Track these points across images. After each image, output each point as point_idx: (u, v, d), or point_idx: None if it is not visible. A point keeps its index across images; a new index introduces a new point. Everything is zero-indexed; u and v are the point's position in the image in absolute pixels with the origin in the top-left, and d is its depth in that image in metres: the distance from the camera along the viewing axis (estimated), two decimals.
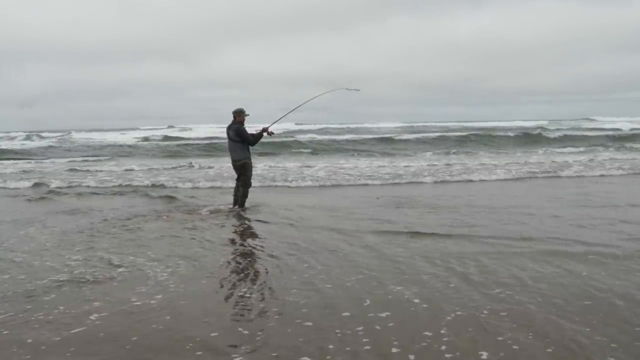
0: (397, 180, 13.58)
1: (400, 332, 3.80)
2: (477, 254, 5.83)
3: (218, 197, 10.91)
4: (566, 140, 31.63)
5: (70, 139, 36.87)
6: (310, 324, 4.01)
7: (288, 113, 10.47)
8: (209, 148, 27.78)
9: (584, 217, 7.98)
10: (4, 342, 3.77)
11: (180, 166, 18.32)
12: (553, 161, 18.38)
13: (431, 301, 4.43)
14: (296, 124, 50.19)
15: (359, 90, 9.83)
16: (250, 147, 9.56)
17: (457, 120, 79.32)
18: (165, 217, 8.74)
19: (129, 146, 30.50)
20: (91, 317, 4.18)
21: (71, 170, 17.69)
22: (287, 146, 28.18)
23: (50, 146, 31.18)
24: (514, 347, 3.53)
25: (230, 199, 10.04)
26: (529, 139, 32.42)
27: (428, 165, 17.55)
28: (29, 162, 21.81)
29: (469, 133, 35.83)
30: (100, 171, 17.08)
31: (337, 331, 3.85)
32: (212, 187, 12.87)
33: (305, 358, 3.44)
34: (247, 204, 9.51)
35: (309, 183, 13.29)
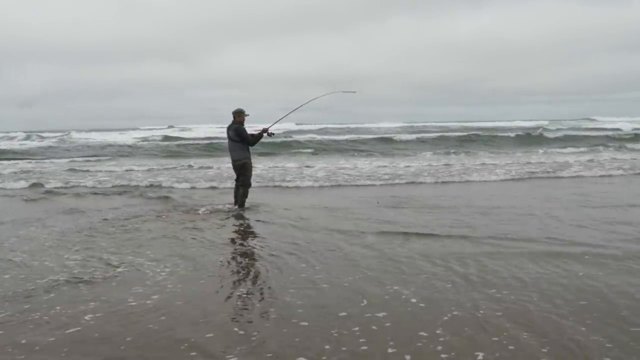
0: (396, 181, 13.56)
1: (397, 332, 3.79)
2: (475, 254, 5.82)
3: (217, 197, 10.90)
4: (567, 140, 31.57)
5: (70, 139, 36.83)
6: (306, 324, 4.00)
7: (287, 115, 10.55)
8: (208, 148, 27.76)
9: (584, 217, 7.97)
10: None
11: (181, 166, 18.29)
12: (553, 161, 18.33)
13: (428, 301, 4.42)
14: (296, 124, 50.19)
15: (355, 92, 9.85)
16: (250, 147, 9.54)
17: (457, 120, 79.27)
18: (164, 217, 8.73)
19: (129, 146, 30.46)
20: (86, 318, 4.17)
21: (71, 170, 17.67)
22: (287, 146, 28.16)
23: (50, 146, 31.14)
24: (510, 347, 3.52)
25: (229, 199, 10.03)
26: (530, 139, 32.37)
27: (428, 165, 17.52)
28: (29, 162, 21.79)
29: (469, 133, 35.81)
30: (100, 171, 17.06)
31: (334, 331, 3.84)
32: (211, 187, 12.86)
33: (301, 358, 3.43)
34: (246, 204, 9.50)
35: (309, 183, 13.27)
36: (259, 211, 9.11)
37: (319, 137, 33.96)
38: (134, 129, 56.97)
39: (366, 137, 34.51)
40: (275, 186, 12.83)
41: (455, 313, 4.13)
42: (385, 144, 30.31)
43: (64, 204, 10.27)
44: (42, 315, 4.25)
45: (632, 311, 4.11)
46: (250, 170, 9.63)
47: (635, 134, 34.46)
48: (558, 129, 43.21)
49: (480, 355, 3.41)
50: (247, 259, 6.09)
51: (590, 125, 53.92)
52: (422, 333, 3.77)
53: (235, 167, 9.65)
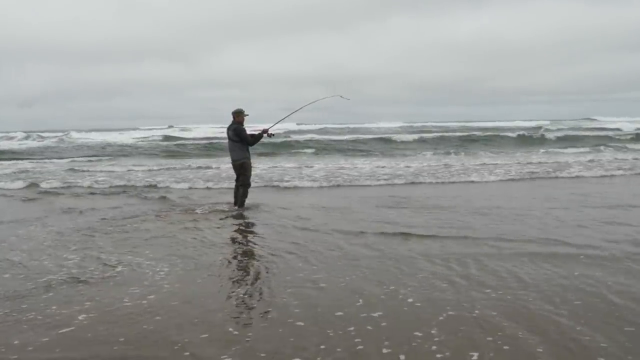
0: (396, 181, 13.54)
1: (393, 332, 3.78)
2: (473, 255, 5.81)
3: (216, 197, 10.89)
4: (568, 140, 31.55)
5: (69, 139, 36.82)
6: (302, 324, 3.99)
7: (287, 117, 10.67)
8: (208, 148, 27.77)
9: (583, 217, 7.95)
10: None
11: (180, 166, 18.27)
12: (554, 162, 18.29)
13: (425, 301, 4.41)
14: (297, 124, 50.20)
15: (349, 99, 10.16)
16: (249, 147, 9.55)
17: (457, 120, 79.23)
18: (163, 216, 8.72)
19: (129, 146, 30.47)
20: (79, 318, 4.16)
21: (70, 170, 17.66)
22: (287, 146, 28.17)
23: (49, 146, 31.16)
24: (505, 347, 3.50)
25: (228, 198, 10.02)
26: (530, 139, 32.34)
27: (427, 165, 17.50)
28: (30, 162, 21.77)
29: (469, 133, 35.82)
30: (99, 171, 17.05)
31: (330, 331, 3.83)
32: (210, 188, 12.86)
33: (296, 359, 3.41)
34: (246, 204, 9.50)
35: (308, 183, 13.26)
36: (258, 211, 9.10)
37: (319, 137, 33.97)
38: (134, 129, 56.99)
39: (366, 137, 34.52)
40: (275, 186, 12.81)
41: (451, 313, 4.12)
42: (385, 144, 30.32)
43: (63, 204, 10.27)
44: (37, 315, 4.24)
45: (630, 311, 4.09)
46: (250, 170, 9.64)
47: (637, 134, 34.41)
48: (558, 129, 43.14)
49: (475, 355, 3.39)
50: (245, 259, 6.08)
51: (591, 125, 53.83)
52: (417, 333, 3.76)
53: (235, 167, 9.67)
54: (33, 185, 13.40)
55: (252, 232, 7.52)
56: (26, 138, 37.93)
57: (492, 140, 31.69)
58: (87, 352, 3.57)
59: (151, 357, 3.51)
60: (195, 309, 4.33)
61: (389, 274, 5.20)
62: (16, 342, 3.75)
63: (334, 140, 31.79)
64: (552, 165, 16.89)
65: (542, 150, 24.47)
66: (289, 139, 30.85)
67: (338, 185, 13.01)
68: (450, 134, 36.04)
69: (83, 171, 17.20)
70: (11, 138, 37.50)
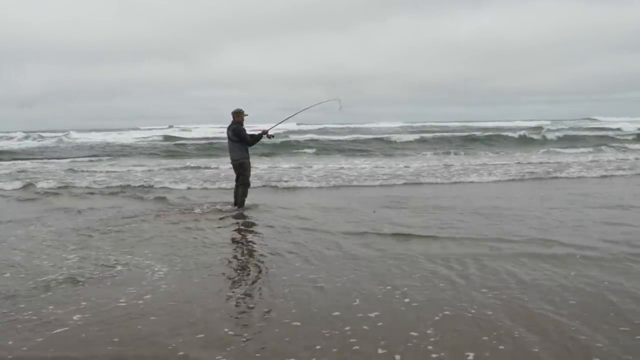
0: (395, 181, 13.52)
1: (389, 332, 3.78)
2: (470, 255, 5.80)
3: (216, 197, 10.88)
4: (568, 140, 31.50)
5: (68, 139, 36.78)
6: (298, 324, 3.98)
7: (287, 119, 10.72)
8: (208, 148, 27.74)
9: (583, 218, 7.94)
10: None
11: (180, 167, 18.25)
12: (555, 162, 18.26)
13: (421, 300, 4.41)
14: (297, 124, 50.11)
15: (339, 108, 10.18)
16: (249, 147, 9.56)
17: (457, 120, 79.19)
18: (162, 216, 8.71)
19: (129, 146, 30.45)
20: (74, 318, 4.15)
21: (70, 170, 17.64)
22: (287, 146, 28.14)
23: (49, 146, 31.14)
24: (501, 347, 3.50)
25: (227, 198, 10.02)
26: (530, 139, 32.28)
27: (427, 165, 17.48)
28: (30, 163, 21.74)
29: (469, 133, 35.77)
30: (99, 172, 17.03)
31: (325, 331, 3.82)
32: (210, 188, 12.84)
33: (291, 359, 3.40)
34: (246, 204, 9.49)
35: (308, 184, 13.25)
36: (258, 211, 9.09)
37: (319, 137, 33.92)
38: (134, 129, 56.98)
39: (366, 137, 34.49)
40: (274, 186, 12.80)
41: (447, 312, 4.12)
42: (385, 144, 30.28)
43: (62, 204, 10.27)
44: (33, 314, 4.25)
45: (630, 311, 4.09)
46: (249, 170, 9.64)
47: (638, 134, 34.33)
48: (558, 129, 43.05)
49: (471, 355, 3.39)
50: (244, 259, 6.08)
51: (592, 125, 53.76)
52: (413, 333, 3.75)
53: (234, 167, 9.69)
54: (32, 185, 13.36)
55: (251, 232, 7.51)
56: (26, 138, 37.89)
57: (492, 140, 31.63)
58: (81, 353, 3.57)
59: (145, 357, 3.50)
60: (192, 309, 4.33)
61: (386, 273, 5.20)
62: (10, 342, 3.75)
63: (334, 140, 31.75)
64: (553, 165, 16.87)
65: (542, 151, 24.43)
66: (289, 139, 30.80)
67: (338, 186, 12.99)
68: (450, 134, 36.00)
69: (83, 171, 17.17)
70: (10, 138, 37.44)
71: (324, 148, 27.71)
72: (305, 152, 26.14)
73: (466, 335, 3.69)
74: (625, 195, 10.47)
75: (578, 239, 6.51)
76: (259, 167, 16.10)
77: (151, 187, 12.95)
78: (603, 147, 25.86)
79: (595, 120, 66.54)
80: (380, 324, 3.94)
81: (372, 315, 4.10)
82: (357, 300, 4.46)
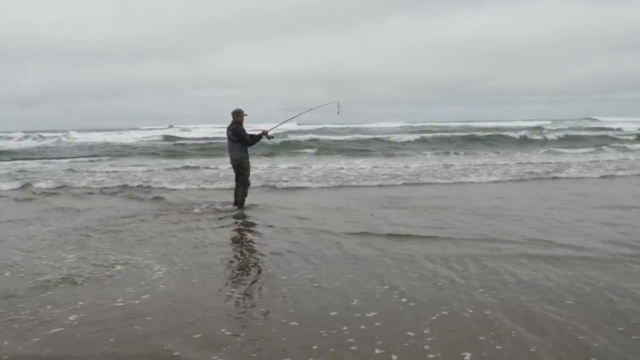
0: (395, 181, 13.50)
1: (386, 332, 3.77)
2: (470, 255, 5.80)
3: (215, 197, 10.87)
4: (569, 140, 31.47)
5: (67, 139, 36.74)
6: (296, 323, 3.97)
7: (285, 121, 10.85)
8: (208, 148, 27.73)
9: (583, 219, 7.92)
10: None
11: (181, 166, 18.23)
12: (554, 162, 18.25)
13: (419, 300, 4.41)
14: (297, 124, 50.05)
15: (337, 113, 10.28)
16: (248, 147, 9.57)
17: (457, 120, 79.14)
18: (162, 216, 8.70)
19: (129, 146, 30.44)
20: (70, 318, 4.14)
21: (69, 170, 17.63)
22: (287, 146, 28.13)
23: (49, 146, 31.12)
24: (497, 347, 3.49)
25: (227, 198, 10.01)
26: (531, 139, 32.24)
27: (427, 165, 17.47)
28: (29, 163, 21.73)
29: (470, 133, 35.73)
30: (98, 172, 17.02)
31: (323, 331, 3.81)
32: (209, 188, 12.83)
33: (288, 359, 3.39)
34: (246, 204, 9.48)
35: (308, 183, 13.24)
36: (257, 211, 9.09)
37: (319, 137, 33.89)
38: (134, 129, 56.97)
39: (366, 137, 34.47)
40: (274, 186, 12.78)
41: (444, 312, 4.11)
42: (384, 144, 30.26)
43: (61, 204, 10.26)
44: (31, 314, 4.25)
45: (630, 311, 4.07)
46: (249, 170, 9.63)
47: (639, 135, 34.27)
48: (559, 129, 43.01)
49: (467, 355, 3.38)
50: (243, 259, 6.07)
51: (592, 125, 53.69)
52: (410, 333, 3.75)
53: (234, 167, 9.68)
54: (31, 185, 13.36)
55: (250, 232, 7.50)
56: (25, 138, 37.85)
57: (492, 140, 31.61)
58: (76, 353, 3.56)
59: (141, 357, 3.49)
60: (190, 309, 4.32)
61: (385, 273, 5.19)
62: (6, 342, 3.75)
63: (334, 140, 31.73)
64: (553, 165, 16.85)
65: (542, 151, 24.40)
66: (289, 139, 30.78)
67: (337, 186, 12.98)
68: (450, 134, 35.97)
69: (82, 171, 17.16)
70: (10, 138, 37.39)
71: (324, 148, 27.69)
72: (305, 152, 26.12)
73: (463, 335, 3.68)
74: (625, 195, 10.45)
75: (578, 239, 6.49)
76: (258, 167, 16.09)
77: (150, 187, 12.94)
78: (604, 147, 25.82)
79: (595, 120, 66.48)
80: (377, 323, 3.93)
81: (370, 315, 4.09)
82: (355, 300, 4.45)
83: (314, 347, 3.54)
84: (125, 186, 13.01)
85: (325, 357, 3.42)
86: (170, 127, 56.57)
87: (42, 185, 13.25)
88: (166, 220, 8.31)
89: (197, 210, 9.23)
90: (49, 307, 4.38)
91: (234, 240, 7.04)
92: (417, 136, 33.72)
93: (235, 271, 5.56)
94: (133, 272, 5.40)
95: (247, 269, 5.60)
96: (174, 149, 28.53)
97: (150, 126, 63.86)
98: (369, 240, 6.63)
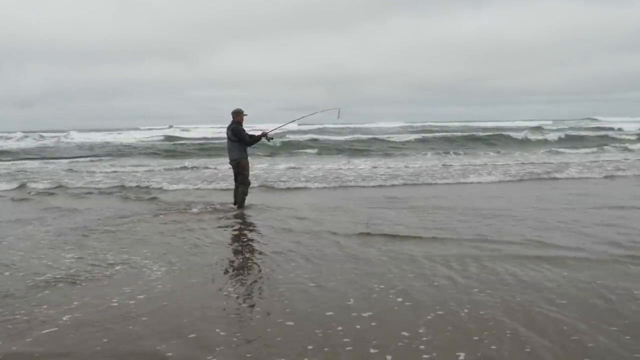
0: (395, 181, 13.48)
1: (381, 332, 3.77)
2: (467, 256, 5.80)
3: (214, 197, 10.87)
4: (570, 140, 31.42)
5: (67, 139, 36.72)
6: (291, 323, 3.96)
7: (286, 124, 11.09)
8: (208, 149, 27.71)
9: (583, 219, 7.90)
10: None
11: (180, 166, 18.22)
12: (555, 162, 18.20)
13: (414, 300, 4.41)
14: (298, 124, 50.08)
15: (337, 117, 10.38)
16: (247, 147, 9.58)
17: (457, 120, 79.10)
18: (161, 216, 8.69)
19: (129, 146, 30.42)
20: (64, 318, 4.13)
21: (69, 170, 17.62)
22: (287, 146, 28.11)
23: (49, 146, 31.09)
24: (492, 347, 3.47)
25: (226, 198, 10.00)
26: (531, 139, 32.20)
27: (427, 166, 17.44)
28: (29, 163, 21.71)
29: (470, 133, 35.70)
30: (99, 172, 17.01)
31: (318, 331, 3.81)
32: (208, 188, 12.82)
33: (282, 359, 3.37)
34: (245, 204, 9.46)
35: (307, 184, 13.22)
36: (256, 211, 9.08)
37: (319, 137, 33.86)
38: (134, 129, 56.97)
39: (366, 137, 34.44)
40: (274, 186, 12.77)
41: (439, 312, 4.10)
42: (384, 144, 30.23)
43: (60, 204, 10.26)
44: (26, 314, 4.25)
45: (626, 309, 4.06)
46: (248, 169, 9.63)
47: None
48: (560, 129, 42.95)
49: (462, 355, 3.37)
50: (241, 259, 6.06)
51: (593, 125, 53.63)
52: (405, 333, 3.74)
53: (233, 167, 9.66)
54: (30, 185, 13.34)
55: (249, 232, 7.49)
56: (25, 138, 37.81)
57: (492, 140, 31.58)
58: (69, 352, 3.55)
59: (134, 358, 3.47)
60: (185, 309, 4.31)
61: (382, 273, 5.19)
62: (0, 342, 3.73)
63: (334, 141, 31.70)
64: (553, 165, 16.82)
65: (543, 151, 24.35)
66: (289, 139, 30.75)
67: (337, 186, 12.96)
68: (450, 134, 35.94)
69: (82, 171, 17.15)
70: (9, 138, 37.35)
71: (324, 148, 27.67)
72: (305, 152, 26.10)
73: (458, 335, 3.68)
74: (625, 195, 10.43)
75: (577, 239, 6.48)
76: (258, 167, 16.08)
77: (150, 187, 12.93)
78: (605, 147, 25.77)
79: (595, 120, 66.41)
80: (373, 323, 3.92)
81: (366, 315, 4.08)
82: (352, 299, 4.44)
83: (309, 347, 3.53)
84: (125, 186, 12.99)
85: (319, 357, 3.41)
86: (170, 127, 56.56)
87: (42, 185, 13.23)
88: (165, 220, 8.30)
89: (196, 210, 9.22)
90: (44, 307, 4.38)
91: (233, 240, 7.03)
92: (417, 136, 33.69)
93: (234, 272, 5.55)
94: (131, 272, 5.40)
95: (245, 269, 5.59)
96: (174, 149, 28.51)
97: (150, 126, 63.87)
98: (368, 240, 6.62)
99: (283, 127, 11.50)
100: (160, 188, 12.66)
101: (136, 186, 12.95)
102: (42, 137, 38.10)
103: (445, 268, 5.31)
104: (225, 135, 9.92)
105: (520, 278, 4.93)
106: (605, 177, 13.97)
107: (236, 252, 6.38)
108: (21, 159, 23.39)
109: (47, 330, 3.91)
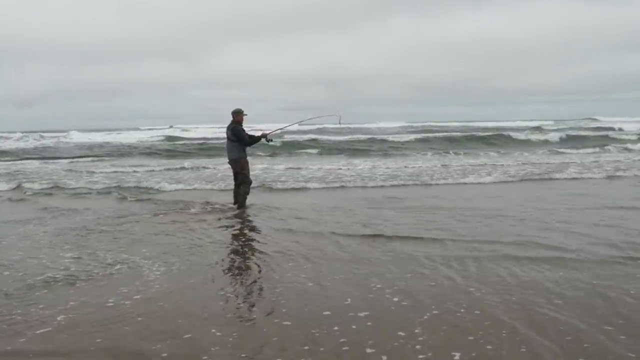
0: (394, 182, 13.46)
1: (377, 332, 3.76)
2: (466, 256, 5.80)
3: (214, 197, 10.86)
4: (571, 140, 31.39)
5: (67, 139, 36.71)
6: (288, 323, 3.96)
7: (286, 126, 11.16)
8: (208, 149, 27.71)
9: (583, 219, 7.89)
10: None
11: (180, 166, 18.22)
12: (556, 162, 18.18)
13: (411, 300, 4.41)
14: (298, 124, 49.99)
15: (339, 123, 10.81)
16: (247, 147, 9.58)
17: (457, 120, 79.04)
18: (160, 216, 8.69)
19: (129, 146, 30.42)
20: (58, 318, 4.13)
21: (69, 170, 17.63)
22: (287, 146, 28.10)
23: (49, 146, 31.07)
24: (488, 346, 3.47)
25: (226, 198, 10.00)
26: (532, 139, 32.18)
27: (427, 166, 17.43)
28: (29, 163, 21.70)
29: (470, 133, 35.68)
30: (98, 172, 17.00)
31: (315, 331, 3.80)
32: (208, 188, 12.82)
33: (277, 359, 3.37)
34: (246, 204, 9.45)
35: (307, 184, 13.21)
36: (256, 211, 9.09)
37: (319, 137, 33.85)
38: (134, 129, 56.98)
39: (366, 137, 34.43)
40: (273, 187, 12.76)
41: (436, 312, 4.10)
42: (384, 145, 30.20)
43: (59, 204, 10.26)
44: (21, 314, 4.24)
45: (624, 308, 4.05)
46: (247, 169, 9.63)
47: None
48: (560, 129, 42.92)
49: (457, 355, 3.36)
50: (239, 259, 6.06)
51: (593, 125, 53.58)
52: (401, 333, 3.74)
53: (232, 166, 9.66)
54: (30, 185, 13.32)
55: (248, 232, 7.49)
56: (25, 138, 37.80)
57: (492, 140, 31.57)
58: (62, 353, 3.55)
59: (127, 357, 3.47)
60: (182, 309, 4.31)
61: (380, 273, 5.19)
62: None
63: (334, 141, 31.68)
64: (554, 165, 16.80)
65: (542, 151, 24.34)
66: (289, 140, 30.74)
67: (337, 186, 12.95)
68: (450, 134, 35.92)
69: (82, 171, 17.14)
70: (9, 138, 37.34)
71: (324, 148, 27.66)
72: (305, 152, 26.09)
73: (454, 335, 3.67)
74: (625, 196, 10.41)
75: (576, 239, 6.48)
76: (257, 167, 16.07)
77: (150, 186, 12.93)
78: (606, 147, 25.74)
79: (595, 120, 66.36)
80: (369, 323, 3.91)
81: (362, 315, 4.08)
82: (349, 299, 4.43)
83: (305, 348, 3.53)
84: (125, 186, 12.99)
85: (315, 357, 3.40)
86: (171, 127, 56.61)
87: (42, 185, 13.22)
88: (164, 220, 8.30)
89: (195, 210, 9.22)
90: (41, 306, 4.38)
91: (232, 241, 7.02)
92: (417, 136, 33.67)
93: (231, 272, 5.54)
94: (129, 272, 5.40)
95: (243, 269, 5.59)
96: (174, 149, 28.51)
97: (151, 126, 63.93)
98: (367, 241, 6.61)
99: (284, 129, 11.54)
100: (162, 188, 12.66)
101: (135, 186, 12.94)
102: (42, 137, 38.08)
103: (445, 268, 5.31)
104: (224, 134, 9.92)
105: (520, 278, 4.93)
106: (606, 177, 13.95)
107: (235, 252, 6.37)
108: (22, 160, 23.37)
109: (41, 331, 3.90)
